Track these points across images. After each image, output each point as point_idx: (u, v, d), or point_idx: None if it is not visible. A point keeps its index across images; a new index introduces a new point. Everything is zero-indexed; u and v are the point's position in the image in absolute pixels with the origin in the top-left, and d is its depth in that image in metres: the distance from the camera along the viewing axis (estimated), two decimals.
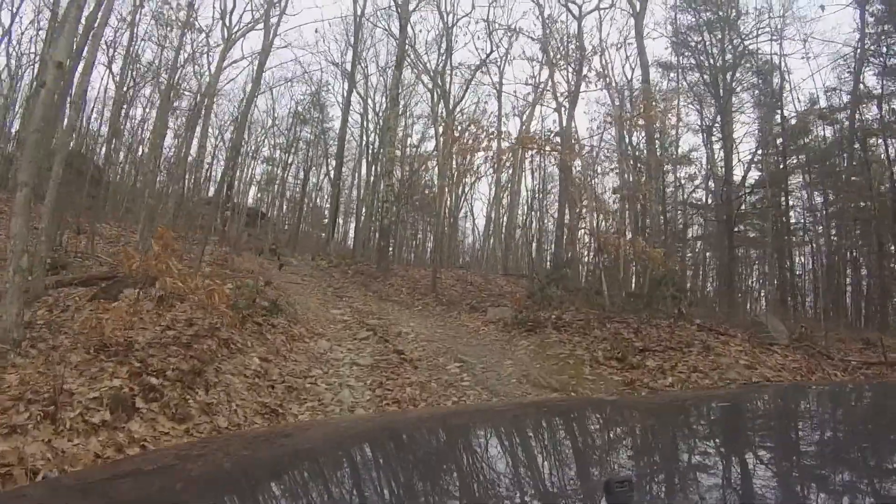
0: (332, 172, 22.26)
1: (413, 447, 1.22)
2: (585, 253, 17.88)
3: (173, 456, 1.27)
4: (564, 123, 12.76)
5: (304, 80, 22.06)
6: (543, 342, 6.59)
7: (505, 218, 22.02)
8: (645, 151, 15.61)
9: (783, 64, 18.92)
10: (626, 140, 13.97)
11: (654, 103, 12.38)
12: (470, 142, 9.35)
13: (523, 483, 0.94)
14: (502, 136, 10.95)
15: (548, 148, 11.17)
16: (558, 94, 13.10)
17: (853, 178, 17.06)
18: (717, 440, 1.19)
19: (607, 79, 11.54)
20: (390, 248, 16.99)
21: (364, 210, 22.87)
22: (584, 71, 11.41)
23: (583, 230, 10.89)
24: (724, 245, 20.51)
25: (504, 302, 9.40)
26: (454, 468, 1.04)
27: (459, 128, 11.65)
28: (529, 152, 12.54)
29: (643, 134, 14.45)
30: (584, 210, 9.37)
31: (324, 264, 15.80)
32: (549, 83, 13.73)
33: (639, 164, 15.41)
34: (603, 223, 10.08)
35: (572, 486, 0.92)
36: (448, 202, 14.90)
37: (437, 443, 1.27)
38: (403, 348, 6.40)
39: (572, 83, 11.63)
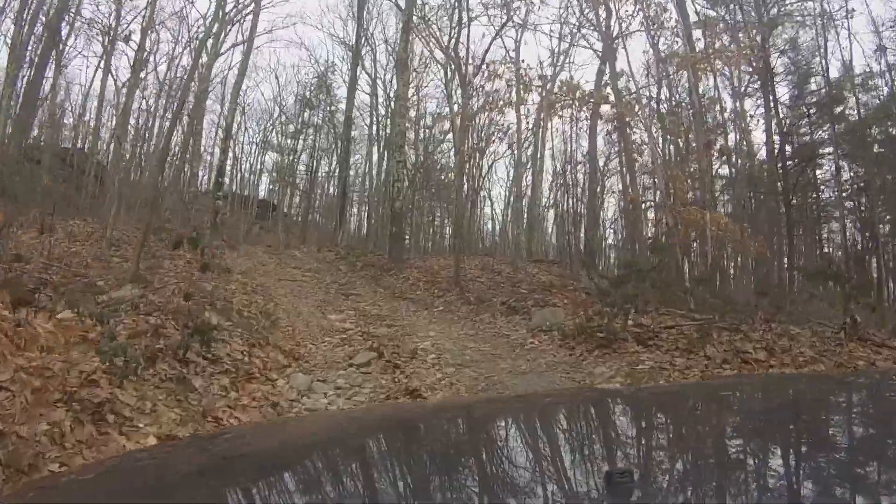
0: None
1: (408, 438, 1.14)
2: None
3: None
4: (608, 75, 10.41)
5: (309, 61, 19.99)
6: (633, 370, 4.33)
7: (526, 199, 19.63)
8: (691, 113, 13.03)
9: (826, 24, 16.34)
10: (689, 90, 11.51)
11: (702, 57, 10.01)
12: (501, 89, 7.12)
13: (522, 473, 0.89)
14: (538, 81, 8.67)
15: (593, 102, 8.88)
16: (610, 30, 10.70)
17: None
18: (723, 432, 1.10)
19: (663, 17, 9.18)
20: (405, 237, 14.87)
21: (377, 199, 20.83)
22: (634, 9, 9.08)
23: (646, 205, 8.56)
24: (780, 224, 18.00)
25: (551, 300, 7.18)
26: (451, 458, 0.98)
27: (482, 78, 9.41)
28: (561, 113, 10.23)
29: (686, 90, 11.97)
30: (655, 178, 7.08)
31: (331, 256, 13.96)
32: (594, 18, 11.30)
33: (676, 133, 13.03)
34: (676, 195, 7.75)
35: (573, 476, 0.87)
36: (468, 171, 12.64)
37: (429, 435, 1.17)
38: (420, 383, 4.24)
39: (619, 23, 9.28)
